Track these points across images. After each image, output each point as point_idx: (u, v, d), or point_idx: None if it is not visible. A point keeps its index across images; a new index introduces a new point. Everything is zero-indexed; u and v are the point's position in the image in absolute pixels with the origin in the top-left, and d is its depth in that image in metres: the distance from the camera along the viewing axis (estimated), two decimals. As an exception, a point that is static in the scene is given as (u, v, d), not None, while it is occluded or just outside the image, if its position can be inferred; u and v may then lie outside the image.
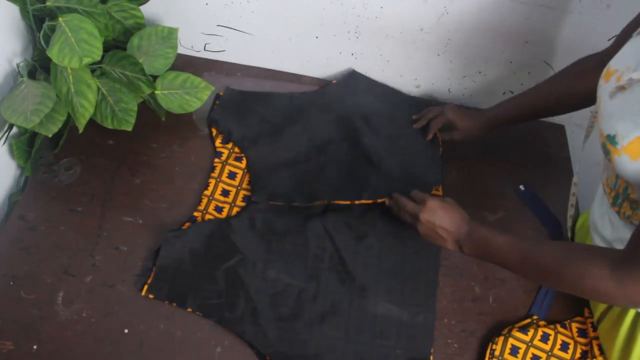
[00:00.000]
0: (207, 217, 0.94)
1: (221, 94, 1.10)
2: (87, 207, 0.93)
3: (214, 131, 1.05)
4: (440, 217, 0.81)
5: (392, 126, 1.08)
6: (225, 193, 0.98)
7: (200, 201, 0.96)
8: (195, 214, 0.94)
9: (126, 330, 0.82)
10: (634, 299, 0.63)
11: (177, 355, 0.81)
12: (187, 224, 0.92)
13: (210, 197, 0.96)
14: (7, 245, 0.88)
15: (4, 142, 0.93)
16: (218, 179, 0.99)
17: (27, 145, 0.95)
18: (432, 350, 0.86)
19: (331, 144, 1.04)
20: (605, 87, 0.69)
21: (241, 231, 0.92)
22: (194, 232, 0.90)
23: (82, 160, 0.98)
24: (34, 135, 0.94)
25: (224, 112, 1.06)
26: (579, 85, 0.87)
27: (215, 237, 0.90)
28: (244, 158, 1.02)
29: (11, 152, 0.95)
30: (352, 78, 1.15)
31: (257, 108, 1.08)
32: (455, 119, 1.02)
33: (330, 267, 0.90)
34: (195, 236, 0.90)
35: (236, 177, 1.00)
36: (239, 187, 0.99)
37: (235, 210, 0.96)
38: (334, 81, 1.15)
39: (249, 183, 0.99)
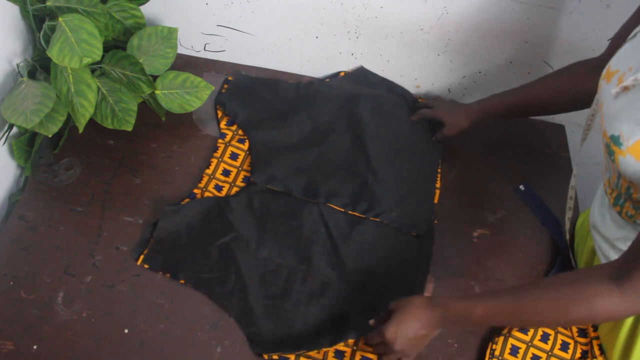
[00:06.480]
0: (207, 194, 0.96)
1: (230, 78, 1.12)
2: (87, 207, 0.93)
3: (220, 113, 1.07)
4: (407, 329, 0.73)
5: (394, 125, 1.09)
6: (226, 173, 0.99)
7: (201, 179, 0.97)
8: (195, 190, 0.96)
9: (126, 330, 0.82)
10: None
11: (177, 355, 0.81)
12: (187, 200, 0.94)
13: (211, 176, 0.98)
14: (7, 245, 0.88)
15: (4, 142, 0.93)
16: (220, 159, 1.00)
17: (27, 145, 0.95)
18: None
19: (334, 133, 1.05)
20: (606, 87, 0.69)
21: (238, 210, 0.93)
22: (191, 208, 0.92)
23: (82, 160, 0.98)
24: (34, 135, 0.94)
25: (232, 95, 1.08)
26: (572, 87, 0.87)
27: (212, 214, 0.92)
28: (246, 140, 1.03)
29: (11, 152, 0.95)
30: (360, 72, 1.16)
31: (264, 93, 1.10)
32: (443, 116, 1.04)
33: (322, 251, 0.92)
34: (193, 212, 0.92)
35: (238, 158, 1.01)
36: (240, 168, 1.00)
37: (234, 190, 0.98)
38: (342, 73, 1.16)
39: (250, 164, 1.00)
